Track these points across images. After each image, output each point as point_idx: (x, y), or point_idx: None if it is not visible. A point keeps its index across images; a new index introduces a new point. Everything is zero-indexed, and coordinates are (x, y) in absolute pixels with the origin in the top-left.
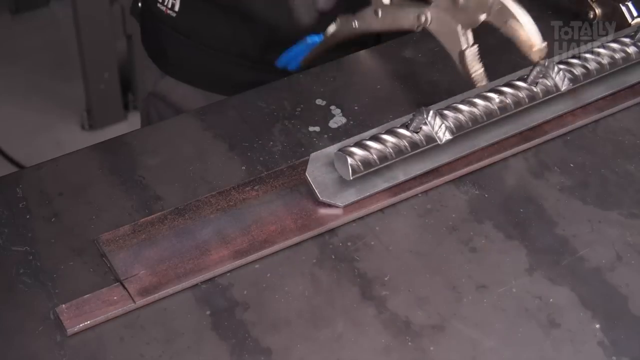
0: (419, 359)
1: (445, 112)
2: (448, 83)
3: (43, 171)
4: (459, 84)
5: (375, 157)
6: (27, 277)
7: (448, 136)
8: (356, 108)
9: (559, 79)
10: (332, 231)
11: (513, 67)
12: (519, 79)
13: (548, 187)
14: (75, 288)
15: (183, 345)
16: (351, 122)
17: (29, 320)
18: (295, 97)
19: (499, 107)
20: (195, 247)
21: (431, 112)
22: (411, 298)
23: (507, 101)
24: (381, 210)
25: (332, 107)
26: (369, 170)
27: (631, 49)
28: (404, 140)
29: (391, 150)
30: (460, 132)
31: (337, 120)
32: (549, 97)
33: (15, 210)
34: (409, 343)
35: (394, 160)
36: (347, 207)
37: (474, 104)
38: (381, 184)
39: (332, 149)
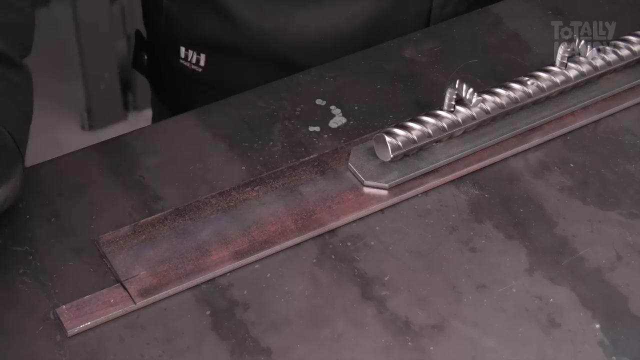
0: (419, 359)
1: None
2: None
3: (43, 171)
4: None
5: (415, 136)
6: (27, 277)
7: (476, 97)
8: (356, 108)
9: (591, 54)
10: (332, 231)
11: (512, 66)
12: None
13: (548, 187)
14: (75, 288)
15: (183, 345)
16: (351, 122)
17: (29, 320)
18: (295, 97)
19: (533, 91)
20: (195, 248)
21: (457, 80)
22: (411, 298)
23: (542, 85)
24: (381, 210)
25: (332, 107)
26: (409, 148)
27: (637, 47)
28: (443, 122)
29: (430, 130)
30: (495, 113)
31: (337, 120)
32: (586, 78)
33: (15, 210)
34: (409, 343)
35: (432, 139)
36: (348, 207)
37: (509, 88)
38: (423, 165)
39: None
